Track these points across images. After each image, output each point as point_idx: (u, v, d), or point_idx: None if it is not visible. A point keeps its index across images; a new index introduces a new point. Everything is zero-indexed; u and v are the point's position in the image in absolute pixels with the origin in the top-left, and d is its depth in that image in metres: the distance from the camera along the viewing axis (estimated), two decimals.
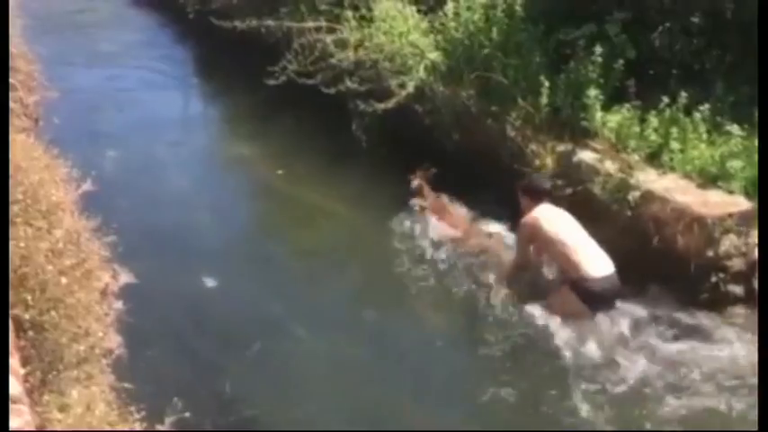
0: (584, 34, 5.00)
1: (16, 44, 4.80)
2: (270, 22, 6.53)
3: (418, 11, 6.30)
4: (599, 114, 4.81)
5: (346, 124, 6.14)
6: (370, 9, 6.39)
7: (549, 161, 4.84)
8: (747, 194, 4.21)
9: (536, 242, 4.40)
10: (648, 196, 4.26)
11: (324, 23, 6.46)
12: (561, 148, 4.88)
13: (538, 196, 4.47)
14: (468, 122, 5.50)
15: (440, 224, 5.08)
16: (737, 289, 4.11)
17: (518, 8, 5.34)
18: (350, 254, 5.13)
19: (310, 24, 6.55)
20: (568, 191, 4.68)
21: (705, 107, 4.58)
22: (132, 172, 5.50)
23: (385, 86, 5.95)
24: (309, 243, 5.26)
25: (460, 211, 5.21)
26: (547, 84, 4.89)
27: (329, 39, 6.39)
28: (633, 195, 4.27)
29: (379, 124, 6.03)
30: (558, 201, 4.72)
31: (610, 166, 4.57)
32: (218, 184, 6.27)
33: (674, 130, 4.52)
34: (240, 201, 6.09)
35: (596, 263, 4.12)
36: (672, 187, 4.29)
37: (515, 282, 4.46)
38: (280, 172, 6.22)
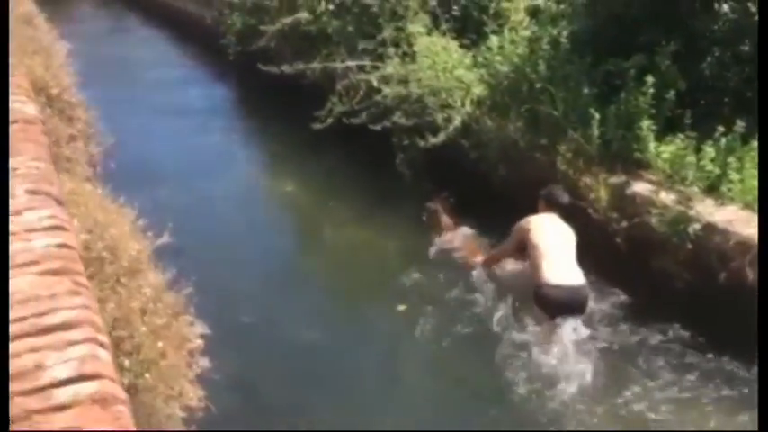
0: (634, 65, 4.97)
1: (73, 93, 4.91)
2: (316, 65, 6.59)
3: (460, 45, 6.34)
4: (652, 145, 4.76)
5: (391, 161, 6.18)
6: (411, 45, 6.46)
7: (603, 193, 4.78)
8: None
9: (523, 243, 4.60)
10: (709, 229, 4.18)
11: (368, 62, 6.51)
12: (614, 180, 4.82)
13: (553, 208, 4.68)
14: (516, 156, 5.48)
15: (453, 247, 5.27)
16: None
17: (564, 40, 5.33)
18: None
19: (353, 63, 6.62)
20: (624, 224, 4.61)
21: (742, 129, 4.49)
22: (191, 216, 5.54)
23: (430, 121, 5.98)
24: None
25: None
26: (597, 116, 4.85)
27: (373, 77, 6.45)
28: (693, 228, 4.19)
29: (423, 159, 6.06)
30: (613, 234, 4.68)
31: (666, 197, 4.50)
32: (276, 225, 6.34)
33: (732, 160, 4.45)
34: (299, 245, 6.09)
35: (562, 272, 4.29)
36: (733, 219, 4.20)
37: (489, 273, 4.84)
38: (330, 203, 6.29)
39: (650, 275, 4.54)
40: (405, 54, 6.40)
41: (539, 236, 4.50)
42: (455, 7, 6.59)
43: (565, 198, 4.73)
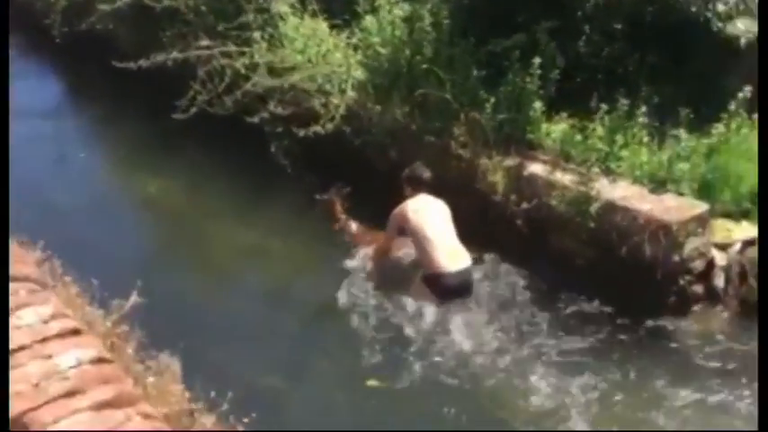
0: (516, 44, 5.01)
1: None
2: (176, 54, 6.01)
3: (331, 26, 6.07)
4: (544, 126, 4.85)
5: (266, 153, 5.82)
6: (277, 27, 6.09)
7: (500, 176, 4.82)
8: (697, 196, 4.40)
9: (403, 231, 4.61)
10: (609, 207, 4.33)
11: (233, 48, 6.06)
12: (509, 162, 4.87)
13: (418, 185, 4.71)
14: (406, 140, 5.38)
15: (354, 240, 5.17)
16: (699, 289, 4.28)
17: (445, 21, 5.25)
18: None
19: (215, 49, 6.09)
20: (524, 205, 4.68)
21: (641, 110, 4.71)
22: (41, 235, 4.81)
23: (307, 109, 5.71)
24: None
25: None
26: (492, 99, 4.85)
27: (239, 63, 6.03)
28: (594, 207, 4.33)
29: (302, 149, 5.77)
30: (513, 216, 4.74)
31: (562, 177, 4.62)
32: (143, 235, 5.79)
33: (619, 137, 4.63)
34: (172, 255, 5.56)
35: (451, 258, 4.40)
36: (628, 195, 4.39)
37: (379, 267, 4.77)
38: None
39: (551, 254, 4.66)
40: (272, 37, 6.02)
41: (417, 221, 4.52)
42: None
43: (426, 173, 4.76)
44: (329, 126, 5.32)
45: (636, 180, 4.51)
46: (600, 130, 4.66)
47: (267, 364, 4.05)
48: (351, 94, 5.53)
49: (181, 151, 6.46)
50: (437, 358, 4.07)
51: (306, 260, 5.18)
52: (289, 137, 5.78)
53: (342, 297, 4.54)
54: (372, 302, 4.48)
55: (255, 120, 5.68)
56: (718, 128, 4.70)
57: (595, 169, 4.51)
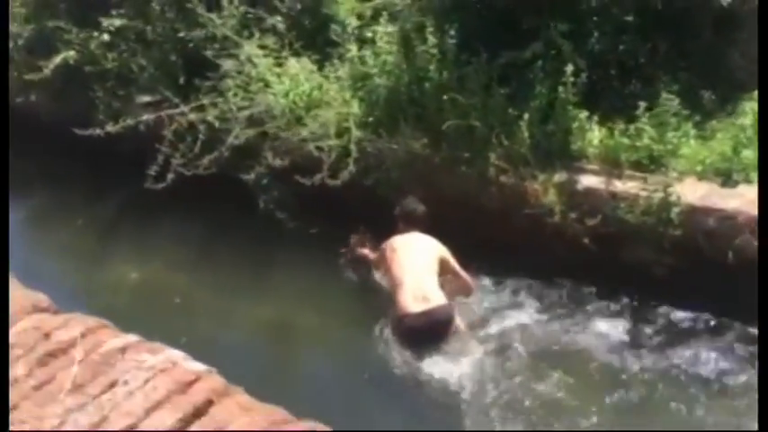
0: (536, 54, 4.69)
1: None
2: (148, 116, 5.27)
3: (319, 64, 5.51)
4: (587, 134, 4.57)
5: (254, 210, 5.17)
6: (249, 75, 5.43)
7: (553, 196, 4.48)
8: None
9: (385, 262, 4.43)
10: (691, 209, 4.09)
11: (205, 101, 5.39)
12: (557, 179, 4.54)
13: (412, 222, 4.50)
14: (429, 174, 4.92)
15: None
16: None
17: (451, 40, 4.85)
18: None
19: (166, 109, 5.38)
20: (589, 222, 4.36)
21: (675, 102, 4.51)
22: None
23: (303, 156, 5.14)
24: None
25: None
26: (526, 115, 4.50)
27: (211, 115, 5.37)
28: (675, 212, 4.07)
29: (299, 200, 5.19)
30: (577, 235, 4.42)
31: (625, 186, 4.34)
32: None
33: (671, 134, 4.40)
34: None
35: (416, 298, 4.09)
36: (704, 194, 4.16)
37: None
38: None
39: (624, 268, 4.37)
40: (247, 84, 5.39)
41: (390, 261, 4.33)
42: (280, 19, 5.66)
43: (420, 208, 4.53)
44: (346, 175, 4.78)
45: (700, 176, 4.29)
46: (650, 130, 4.40)
47: None
48: (357, 133, 5.01)
49: (156, 227, 5.69)
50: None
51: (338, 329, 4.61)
52: (279, 188, 5.23)
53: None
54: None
55: (250, 176, 5.08)
56: (745, 107, 4.59)
57: (674, 174, 4.23)
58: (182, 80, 5.64)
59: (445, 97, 4.64)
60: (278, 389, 2.95)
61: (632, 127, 4.50)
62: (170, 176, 5.12)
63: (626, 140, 4.48)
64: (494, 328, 4.20)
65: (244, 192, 5.20)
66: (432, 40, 4.85)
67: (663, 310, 4.15)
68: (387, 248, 4.43)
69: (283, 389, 3.73)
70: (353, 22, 5.58)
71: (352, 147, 4.91)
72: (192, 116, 5.38)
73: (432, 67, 4.86)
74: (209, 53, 5.51)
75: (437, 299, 4.13)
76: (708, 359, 3.81)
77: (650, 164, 4.41)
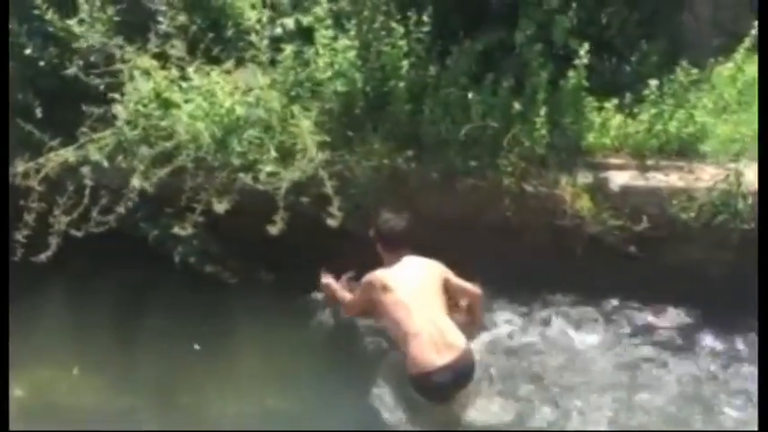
0: (532, 37, 3.93)
1: None
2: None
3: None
4: (597, 122, 3.93)
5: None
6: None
7: (587, 201, 3.77)
8: None
9: (374, 307, 3.60)
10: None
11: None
12: (582, 179, 3.84)
13: (395, 243, 3.63)
14: (424, 191, 3.95)
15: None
16: None
17: (420, 35, 3.90)
18: None
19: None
20: (630, 224, 3.71)
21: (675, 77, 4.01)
22: None
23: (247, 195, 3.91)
24: None
25: None
26: (544, 108, 3.72)
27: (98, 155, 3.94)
28: (744, 205, 3.56)
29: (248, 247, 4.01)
30: (619, 242, 3.76)
31: (668, 179, 3.76)
32: None
33: (699, 113, 3.90)
34: None
35: (437, 348, 3.34)
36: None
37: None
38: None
39: (674, 274, 3.80)
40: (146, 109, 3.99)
41: (390, 305, 3.47)
42: (161, 20, 4.25)
43: (401, 224, 3.64)
44: (338, 215, 3.65)
45: (731, 159, 3.82)
46: (678, 111, 3.84)
47: None
48: (320, 155, 3.87)
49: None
50: None
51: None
52: (199, 237, 4.00)
53: None
54: None
55: (185, 232, 3.77)
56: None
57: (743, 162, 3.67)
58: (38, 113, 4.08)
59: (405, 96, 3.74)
60: None
61: (646, 110, 3.92)
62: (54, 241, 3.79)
63: (645, 125, 3.90)
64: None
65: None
66: (398, 29, 3.87)
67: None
68: (375, 286, 3.53)
69: None
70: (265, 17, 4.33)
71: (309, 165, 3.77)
72: (71, 157, 3.93)
73: (404, 63, 3.88)
74: (73, 71, 4.03)
75: (459, 341, 3.38)
76: None
77: (678, 149, 3.86)
